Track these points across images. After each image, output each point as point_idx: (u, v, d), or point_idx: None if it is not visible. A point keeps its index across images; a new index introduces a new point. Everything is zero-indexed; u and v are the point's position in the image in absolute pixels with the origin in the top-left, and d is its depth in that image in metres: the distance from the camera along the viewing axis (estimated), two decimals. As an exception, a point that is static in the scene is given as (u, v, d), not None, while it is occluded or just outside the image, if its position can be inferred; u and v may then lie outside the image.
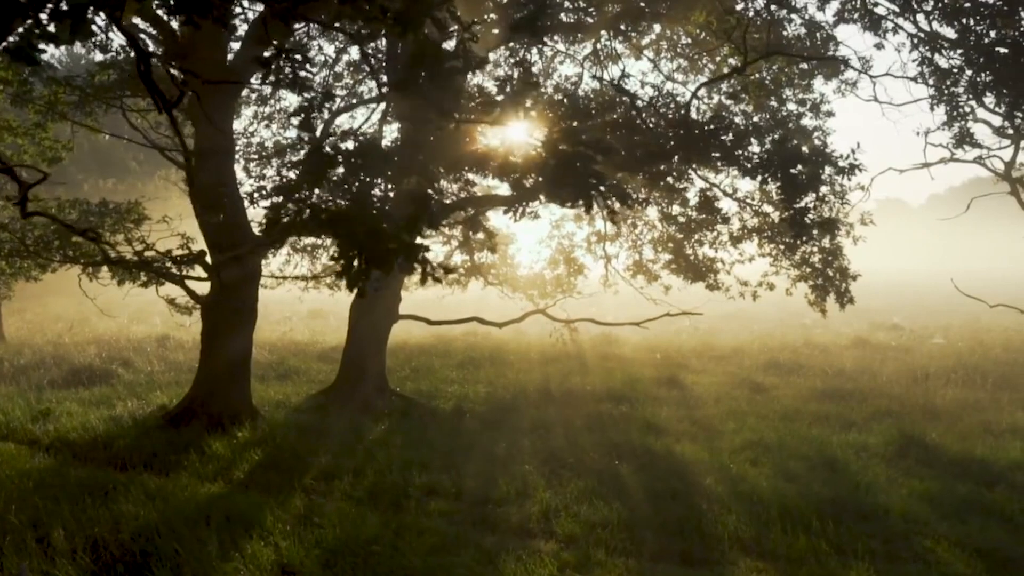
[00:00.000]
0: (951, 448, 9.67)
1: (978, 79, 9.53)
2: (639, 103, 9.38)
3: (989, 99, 9.90)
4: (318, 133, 12.36)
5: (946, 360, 16.34)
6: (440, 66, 3.78)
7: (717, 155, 8.54)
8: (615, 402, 12.94)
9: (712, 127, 8.30)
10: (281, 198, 3.24)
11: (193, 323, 16.56)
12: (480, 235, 11.63)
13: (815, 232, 9.37)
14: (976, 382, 14.02)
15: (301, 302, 19.75)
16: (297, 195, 3.32)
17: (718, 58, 14.69)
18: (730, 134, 8.58)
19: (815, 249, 12.77)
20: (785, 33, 14.41)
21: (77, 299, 20.23)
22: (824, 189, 13.67)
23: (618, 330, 19.70)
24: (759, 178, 8.90)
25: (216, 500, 7.44)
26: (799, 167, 8.74)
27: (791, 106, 14.98)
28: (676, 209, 13.65)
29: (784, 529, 6.83)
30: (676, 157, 8.49)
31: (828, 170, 9.62)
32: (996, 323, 23.18)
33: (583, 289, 18.46)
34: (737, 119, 12.35)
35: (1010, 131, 10.35)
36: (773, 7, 14.29)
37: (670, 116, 9.07)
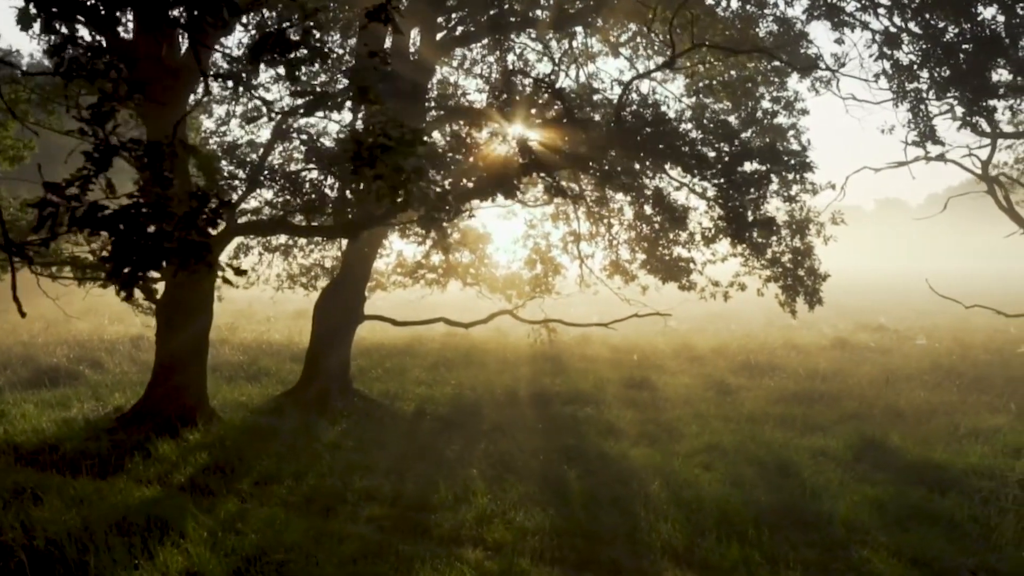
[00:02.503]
0: (910, 452, 9.47)
1: (935, 74, 9.32)
2: (574, 100, 9.22)
3: (951, 96, 9.70)
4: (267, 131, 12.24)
5: (923, 361, 16.12)
6: (279, 55, 3.60)
7: (654, 152, 8.33)
8: (581, 404, 12.77)
9: (646, 123, 8.10)
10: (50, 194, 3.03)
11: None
12: (435, 234, 11.46)
13: (756, 230, 9.16)
14: (949, 384, 13.80)
15: (274, 302, 19.61)
16: (72, 190, 3.14)
17: (694, 56, 14.50)
18: (688, 132, 8.38)
19: (784, 248, 12.58)
20: (758, 30, 14.22)
21: (62, 299, 20.17)
22: (795, 189, 13.56)
23: (599, 330, 19.53)
24: (698, 175, 8.70)
25: (145, 504, 7.31)
26: (748, 165, 8.54)
27: (765, 104, 14.80)
28: (648, 209, 13.43)
29: (719, 538, 6.66)
30: (612, 153, 8.32)
31: (779, 168, 9.42)
32: (983, 323, 22.92)
33: (561, 290, 18.25)
34: (709, 117, 12.16)
35: (971, 125, 10.12)
36: (748, 6, 14.13)
37: (608, 113, 8.92)
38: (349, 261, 12.79)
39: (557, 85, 9.47)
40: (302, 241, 16.34)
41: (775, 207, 13.93)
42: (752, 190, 8.71)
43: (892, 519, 7.31)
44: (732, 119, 14.11)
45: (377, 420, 11.50)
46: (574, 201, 10.61)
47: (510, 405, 12.83)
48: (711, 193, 9.37)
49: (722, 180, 8.35)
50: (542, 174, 7.62)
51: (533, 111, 8.50)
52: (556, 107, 8.32)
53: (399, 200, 3.60)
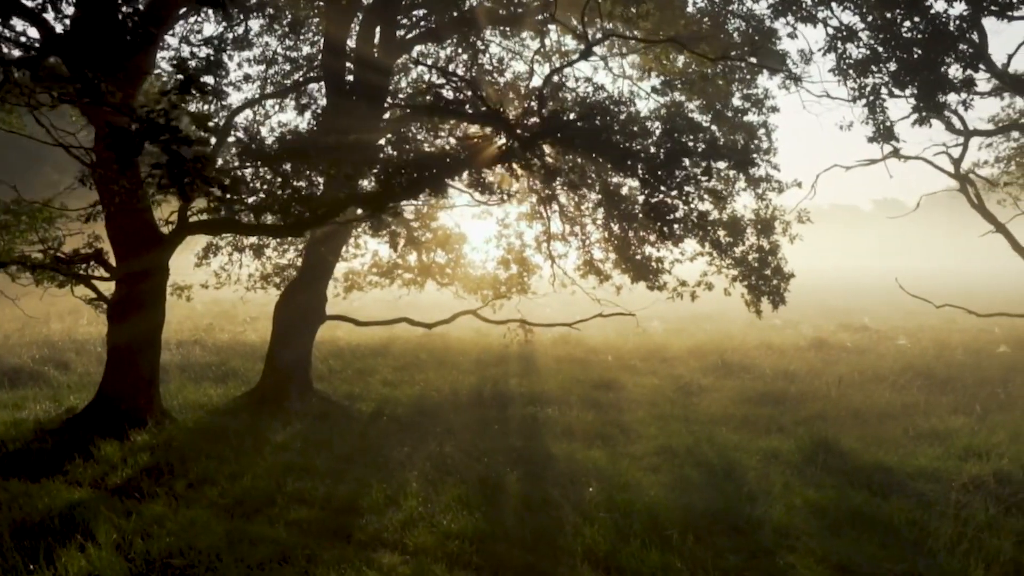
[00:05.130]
0: (862, 455, 9.30)
1: (887, 69, 9.15)
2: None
3: (908, 92, 9.52)
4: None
5: (897, 362, 15.89)
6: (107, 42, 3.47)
7: (588, 147, 8.17)
8: (543, 405, 12.62)
9: (579, 118, 7.94)
10: None
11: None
12: (384, 232, 11.32)
13: (679, 228, 9.00)
14: (919, 385, 13.57)
15: (245, 302, 19.46)
16: None
17: (650, 52, 14.34)
18: (624, 127, 8.20)
19: (749, 248, 12.45)
20: (727, 27, 14.07)
21: (48, 300, 20.11)
22: (762, 187, 13.40)
23: (577, 331, 19.38)
24: (629, 170, 8.52)
25: (69, 507, 7.21)
26: (687, 160, 8.38)
27: (736, 101, 14.63)
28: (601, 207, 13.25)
29: (644, 543, 6.51)
30: (537, 147, 8.16)
31: (722, 164, 9.28)
32: (969, 324, 22.64)
33: (537, 290, 18.08)
34: (653, 114, 11.95)
35: (925, 122, 9.92)
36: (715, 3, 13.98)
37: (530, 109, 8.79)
38: (308, 261, 12.70)
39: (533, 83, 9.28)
40: (274, 240, 16.23)
41: (743, 204, 13.74)
42: (684, 187, 8.54)
43: (828, 524, 7.14)
44: (702, 117, 13.98)
45: (332, 421, 11.38)
46: (504, 200, 10.46)
47: (472, 406, 12.69)
48: (637, 188, 9.22)
49: (647, 175, 8.18)
50: (471, 171, 7.53)
51: (458, 110, 8.38)
52: (480, 105, 8.19)
53: (185, 190, 3.47)
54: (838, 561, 6.27)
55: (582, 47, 11.79)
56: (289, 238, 13.23)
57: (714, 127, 13.80)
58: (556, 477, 8.48)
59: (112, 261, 11.07)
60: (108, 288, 12.02)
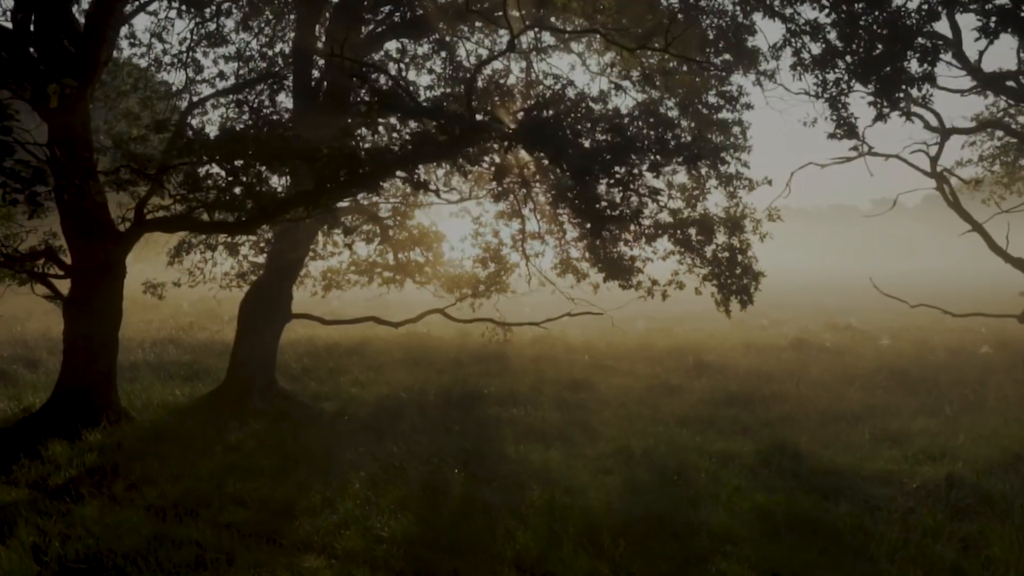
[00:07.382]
0: (819, 457, 9.13)
1: (845, 63, 8.98)
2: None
3: (869, 88, 9.34)
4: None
5: (875, 362, 15.70)
6: None
7: (528, 142, 8.02)
8: (510, 405, 12.49)
9: (486, 110, 7.78)
10: None
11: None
12: (338, 228, 11.17)
13: (611, 226, 8.82)
14: (890, 386, 13.39)
15: (218, 300, 19.30)
16: None
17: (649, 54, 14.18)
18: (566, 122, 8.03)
19: (719, 245, 12.28)
20: (705, 25, 13.90)
21: (35, 299, 19.97)
22: (734, 185, 13.24)
23: (558, 330, 19.26)
24: (566, 165, 8.34)
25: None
26: (632, 156, 8.20)
27: (711, 99, 14.46)
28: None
29: (575, 548, 6.36)
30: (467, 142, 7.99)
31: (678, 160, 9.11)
32: (957, 324, 22.40)
33: (516, 288, 17.92)
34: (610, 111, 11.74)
35: (884, 118, 9.73)
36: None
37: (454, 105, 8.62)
38: (272, 259, 12.58)
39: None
40: (249, 238, 16.08)
41: (714, 203, 13.54)
42: (619, 184, 8.36)
43: (771, 529, 6.98)
44: (674, 114, 13.81)
45: (292, 421, 11.25)
46: (433, 194, 10.28)
47: (438, 406, 12.55)
48: (570, 183, 9.02)
49: (581, 171, 7.99)
50: (406, 169, 7.39)
51: (394, 104, 8.24)
52: (411, 102, 8.05)
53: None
54: (772, 567, 6.12)
55: (551, 42, 11.66)
56: (250, 235, 13.08)
57: (682, 122, 13.65)
58: (503, 479, 8.35)
59: (69, 259, 10.95)
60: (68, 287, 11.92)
